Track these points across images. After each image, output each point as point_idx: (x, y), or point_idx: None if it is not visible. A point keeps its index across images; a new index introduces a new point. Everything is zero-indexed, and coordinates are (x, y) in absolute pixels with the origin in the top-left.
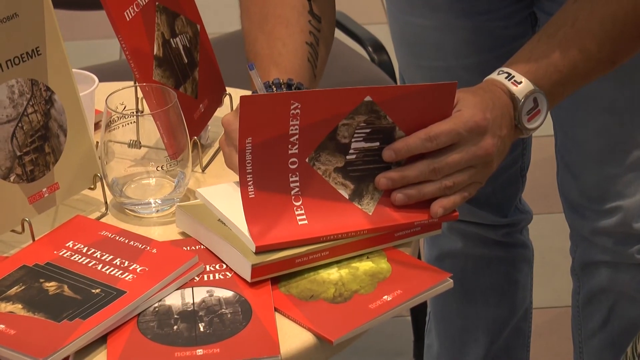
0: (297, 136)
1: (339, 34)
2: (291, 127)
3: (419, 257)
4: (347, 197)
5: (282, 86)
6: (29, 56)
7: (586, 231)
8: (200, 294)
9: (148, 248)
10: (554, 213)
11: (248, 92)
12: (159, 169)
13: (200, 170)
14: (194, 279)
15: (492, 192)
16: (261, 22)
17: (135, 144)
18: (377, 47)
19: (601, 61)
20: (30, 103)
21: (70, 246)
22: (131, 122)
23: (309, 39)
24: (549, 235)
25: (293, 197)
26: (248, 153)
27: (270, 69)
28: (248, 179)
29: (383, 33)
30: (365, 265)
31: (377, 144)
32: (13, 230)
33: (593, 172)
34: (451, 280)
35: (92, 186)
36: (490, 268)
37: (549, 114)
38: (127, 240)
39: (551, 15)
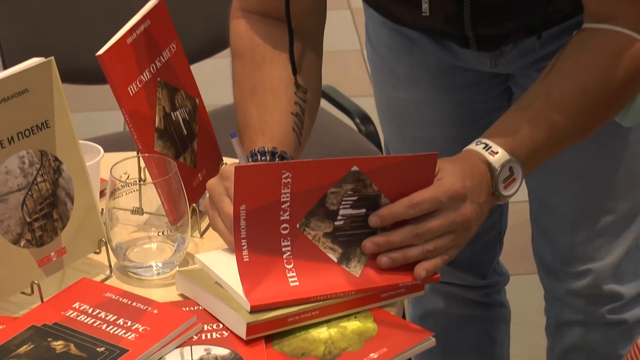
0: (288, 203)
1: (328, 106)
2: (283, 195)
3: (404, 316)
4: (335, 260)
5: (267, 154)
6: (38, 129)
7: (559, 292)
8: (198, 352)
9: (149, 309)
10: (529, 274)
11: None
12: (160, 234)
13: (199, 235)
14: (192, 337)
15: (472, 255)
16: (251, 94)
17: (138, 211)
18: (364, 119)
19: (573, 132)
20: (40, 172)
21: (77, 307)
22: (134, 190)
23: (295, 109)
24: (525, 295)
25: (285, 260)
26: (242, 219)
27: (258, 137)
28: (242, 244)
29: (369, 105)
30: (353, 325)
31: (364, 210)
32: (23, 292)
33: (566, 237)
34: (433, 339)
35: (97, 250)
36: (471, 327)
37: (523, 182)
38: (129, 302)
39: (525, 89)
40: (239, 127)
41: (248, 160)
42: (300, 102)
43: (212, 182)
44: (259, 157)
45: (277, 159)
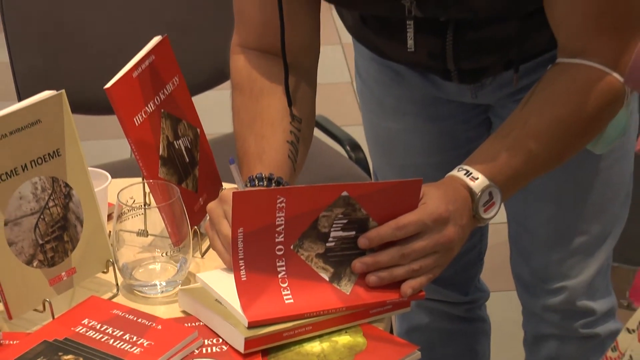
0: (283, 226)
1: (321, 134)
2: (277, 219)
3: (391, 331)
4: (327, 279)
5: (264, 180)
6: (50, 157)
7: (536, 308)
8: None
9: (154, 325)
10: (508, 291)
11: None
12: (164, 254)
13: (200, 256)
14: (193, 351)
15: (454, 273)
16: (249, 124)
17: (143, 233)
18: (354, 147)
19: (548, 159)
20: (51, 198)
21: (86, 323)
22: (139, 214)
23: (290, 138)
24: (504, 311)
25: (280, 279)
26: (240, 241)
27: (256, 164)
28: (240, 264)
29: (359, 134)
30: (343, 339)
31: (353, 232)
32: (35, 309)
33: (542, 257)
34: (419, 352)
35: (105, 270)
36: (454, 340)
37: (502, 205)
38: (135, 318)
39: (503, 119)
40: (238, 155)
41: (247, 185)
42: (295, 131)
43: (212, 205)
44: (256, 182)
45: (274, 185)
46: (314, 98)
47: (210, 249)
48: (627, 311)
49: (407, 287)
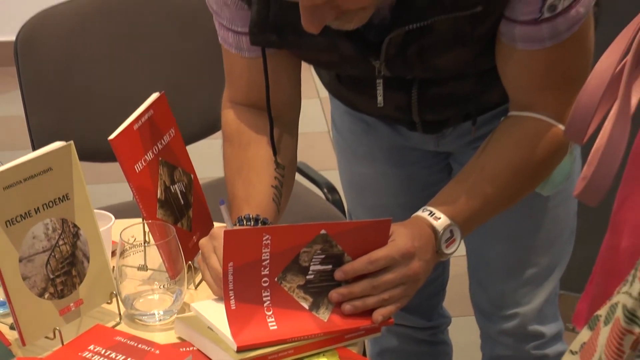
0: (268, 261)
1: (301, 178)
2: (263, 254)
3: (364, 353)
4: (307, 307)
5: (251, 220)
6: (60, 200)
7: (492, 332)
8: None
9: (152, 350)
10: (467, 316)
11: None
12: (162, 287)
13: (194, 288)
14: None
15: (420, 301)
16: (238, 171)
17: (143, 268)
18: (331, 189)
19: (502, 200)
20: (61, 237)
21: (92, 349)
22: (140, 251)
23: (275, 183)
24: (464, 335)
25: (265, 308)
26: (230, 274)
27: (243, 206)
28: (230, 294)
29: (335, 178)
30: None
31: (330, 266)
32: (46, 337)
33: (497, 286)
34: None
35: (109, 301)
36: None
37: (462, 241)
38: (136, 344)
39: (462, 165)
40: (229, 198)
41: (235, 224)
42: (279, 177)
43: (203, 241)
44: (244, 222)
45: (260, 224)
46: (296, 147)
47: (203, 282)
48: (573, 334)
49: (378, 315)
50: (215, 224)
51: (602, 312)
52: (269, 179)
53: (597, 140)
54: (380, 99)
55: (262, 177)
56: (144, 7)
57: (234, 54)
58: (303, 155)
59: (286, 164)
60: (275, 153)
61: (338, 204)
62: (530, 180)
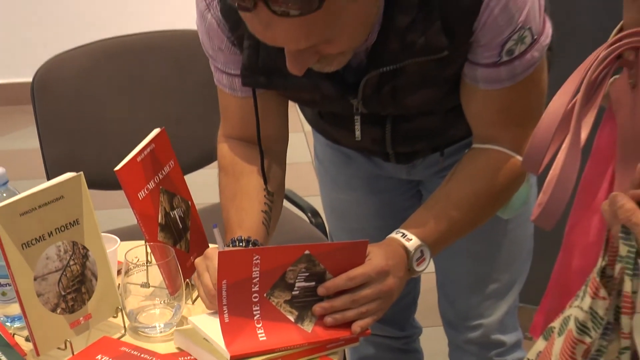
0: (258, 278)
1: (288, 204)
2: (254, 272)
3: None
4: (293, 320)
5: (243, 242)
6: (70, 225)
7: (459, 341)
8: None
9: (154, 359)
10: (437, 327)
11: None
12: (162, 302)
13: (191, 303)
14: None
15: (394, 314)
16: (232, 198)
17: (146, 285)
18: (314, 214)
19: (467, 224)
20: (72, 258)
21: (99, 359)
22: (143, 270)
23: (264, 208)
24: (433, 343)
25: (255, 321)
26: (224, 291)
27: (236, 230)
28: (224, 309)
29: (318, 203)
30: None
31: (313, 283)
32: (59, 347)
33: (463, 300)
34: None
35: (115, 315)
36: None
37: (431, 260)
38: (139, 354)
39: (431, 192)
40: (224, 222)
41: (229, 245)
42: (268, 202)
43: (198, 261)
44: (237, 243)
45: (250, 245)
46: (284, 175)
47: (199, 297)
48: (531, 342)
49: (357, 326)
50: (211, 246)
51: (556, 324)
52: (260, 205)
53: (551, 171)
54: (358, 133)
55: (253, 204)
56: (147, 51)
57: (227, 93)
58: (289, 183)
59: (275, 191)
60: (265, 182)
61: (321, 227)
62: (491, 206)
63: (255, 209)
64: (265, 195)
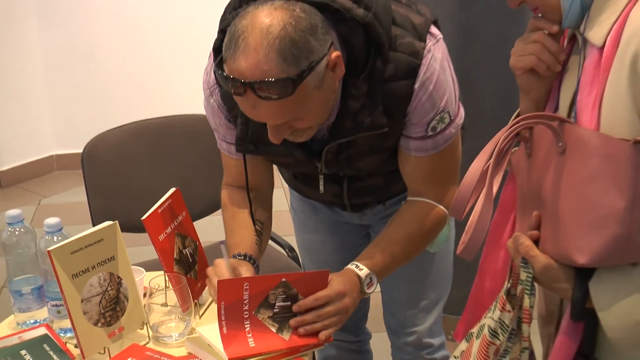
0: (247, 300)
1: (271, 242)
2: (244, 296)
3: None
4: (275, 331)
5: (242, 256)
6: (108, 260)
7: (399, 344)
8: None
9: None
10: (382, 332)
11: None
12: (177, 317)
13: (199, 317)
14: None
15: (349, 323)
16: (232, 228)
17: (164, 305)
18: (290, 249)
19: (404, 257)
20: (109, 285)
21: None
22: (162, 293)
23: (255, 234)
24: (380, 345)
25: (246, 332)
26: (222, 309)
27: (236, 249)
28: (222, 323)
29: (293, 241)
30: None
31: (289, 303)
32: (99, 353)
33: (401, 313)
34: None
35: (141, 327)
36: None
37: (378, 284)
38: (159, 357)
39: (377, 233)
40: (227, 244)
41: (235, 257)
42: (259, 229)
43: (208, 269)
44: (238, 257)
45: (248, 259)
46: (271, 209)
47: (206, 312)
48: (453, 343)
49: (322, 335)
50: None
51: (475, 330)
52: (252, 232)
53: (471, 217)
54: (321, 188)
55: (248, 230)
56: (167, 130)
57: (227, 155)
58: (273, 226)
59: (264, 221)
60: (252, 217)
61: (295, 260)
62: (422, 243)
63: (250, 234)
64: (255, 225)
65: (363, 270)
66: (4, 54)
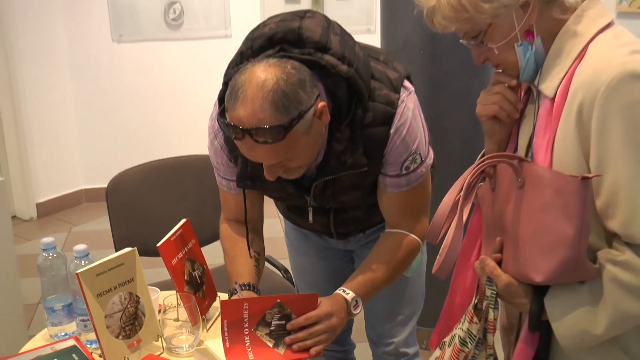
0: (247, 319)
1: (268, 265)
2: (244, 315)
3: None
4: (271, 346)
5: (245, 286)
6: (127, 282)
7: (379, 352)
8: None
9: None
10: (364, 343)
11: (226, 295)
12: (187, 331)
13: (206, 331)
14: None
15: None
16: (232, 258)
17: (177, 320)
18: (285, 271)
19: (385, 281)
20: (129, 303)
21: None
22: (174, 310)
23: (254, 262)
24: (362, 354)
25: (247, 347)
26: (225, 327)
27: (237, 278)
28: (225, 339)
29: (288, 264)
30: None
31: (284, 322)
32: None
33: (380, 327)
34: None
35: (156, 340)
36: None
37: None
38: None
39: (361, 258)
40: (228, 272)
41: (240, 287)
42: (256, 256)
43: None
44: (242, 287)
45: (252, 288)
46: (263, 241)
47: (212, 327)
48: (426, 352)
49: (313, 351)
50: (221, 294)
51: (447, 339)
52: (251, 261)
53: (444, 242)
54: (311, 219)
55: (247, 261)
56: (179, 168)
57: (226, 191)
58: (270, 251)
59: (259, 251)
60: (249, 247)
61: (290, 280)
62: (399, 270)
63: (249, 264)
64: (253, 256)
65: (349, 294)
66: (43, 103)
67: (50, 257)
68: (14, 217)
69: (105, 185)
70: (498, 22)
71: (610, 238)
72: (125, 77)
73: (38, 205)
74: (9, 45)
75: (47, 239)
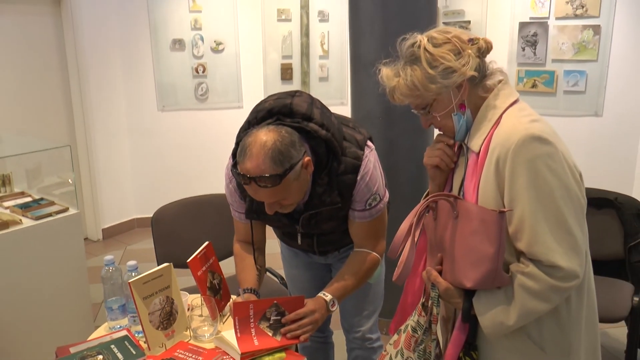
0: (252, 316)
1: (268, 274)
2: (250, 312)
3: (296, 349)
4: (271, 335)
5: (249, 290)
6: (165, 288)
7: (350, 338)
8: None
9: (205, 352)
10: (339, 330)
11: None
12: (208, 324)
13: (222, 324)
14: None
15: (320, 327)
16: (241, 271)
17: (201, 316)
18: (281, 278)
19: (354, 287)
20: (166, 304)
21: (178, 352)
22: (200, 308)
23: (257, 272)
24: (338, 338)
25: (252, 335)
26: (236, 322)
27: (245, 284)
28: (237, 329)
29: (283, 274)
30: (277, 355)
31: (280, 317)
32: (159, 346)
33: (352, 318)
34: (305, 357)
35: (186, 330)
36: (320, 352)
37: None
38: (197, 348)
39: (337, 270)
40: (238, 280)
41: (246, 290)
42: (259, 269)
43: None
44: (247, 291)
45: (254, 292)
46: (264, 257)
47: (227, 321)
48: (386, 336)
49: (302, 337)
50: (233, 296)
51: (402, 327)
52: (255, 271)
53: (402, 256)
54: (299, 241)
55: (252, 271)
56: (207, 204)
57: (238, 221)
58: (269, 263)
59: (262, 264)
60: (255, 262)
61: (285, 285)
62: (364, 278)
63: (254, 274)
64: (257, 268)
65: (328, 297)
66: (108, 152)
67: (110, 270)
68: (85, 238)
69: (151, 215)
70: (440, 98)
71: (519, 255)
72: (167, 136)
73: (103, 230)
74: (88, 110)
75: (109, 257)
